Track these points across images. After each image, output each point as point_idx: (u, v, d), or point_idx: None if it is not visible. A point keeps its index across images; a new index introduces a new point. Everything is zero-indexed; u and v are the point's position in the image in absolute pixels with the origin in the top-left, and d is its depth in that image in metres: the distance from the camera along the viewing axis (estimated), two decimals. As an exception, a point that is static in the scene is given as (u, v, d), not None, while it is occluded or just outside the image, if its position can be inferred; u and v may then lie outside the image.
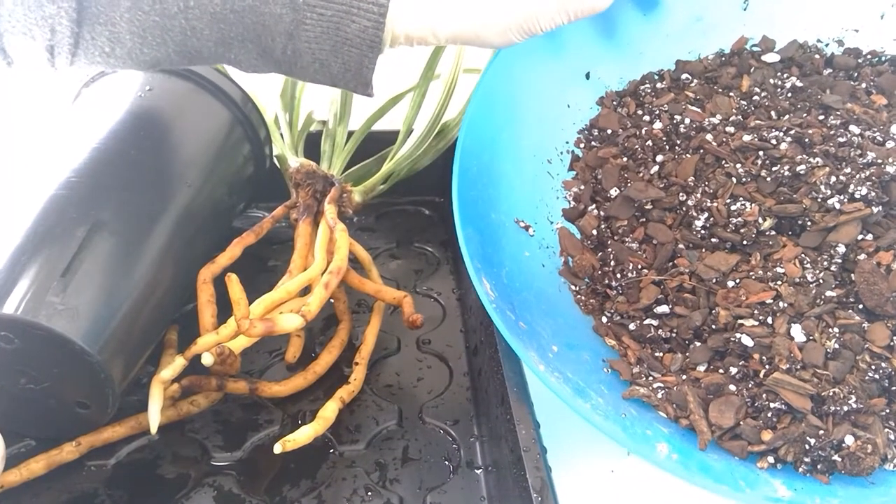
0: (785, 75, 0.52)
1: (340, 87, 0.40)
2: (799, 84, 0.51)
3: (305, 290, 0.51)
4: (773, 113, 0.49)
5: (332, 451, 0.47)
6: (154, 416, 0.43)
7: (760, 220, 0.44)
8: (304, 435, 0.43)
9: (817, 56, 0.52)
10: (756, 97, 0.51)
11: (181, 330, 0.53)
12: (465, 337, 0.56)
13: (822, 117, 0.48)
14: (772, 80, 0.51)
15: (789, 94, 0.51)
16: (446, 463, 0.47)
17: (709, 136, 0.48)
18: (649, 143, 0.50)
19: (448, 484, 0.45)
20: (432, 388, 0.52)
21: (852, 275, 0.42)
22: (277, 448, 0.42)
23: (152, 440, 0.48)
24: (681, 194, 0.47)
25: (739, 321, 0.42)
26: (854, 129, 0.46)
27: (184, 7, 0.35)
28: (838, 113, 0.47)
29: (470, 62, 0.61)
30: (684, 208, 0.47)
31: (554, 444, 0.40)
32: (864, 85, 0.50)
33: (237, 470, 0.46)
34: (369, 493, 0.44)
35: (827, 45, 0.53)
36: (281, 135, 0.63)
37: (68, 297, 0.41)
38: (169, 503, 0.44)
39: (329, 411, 0.46)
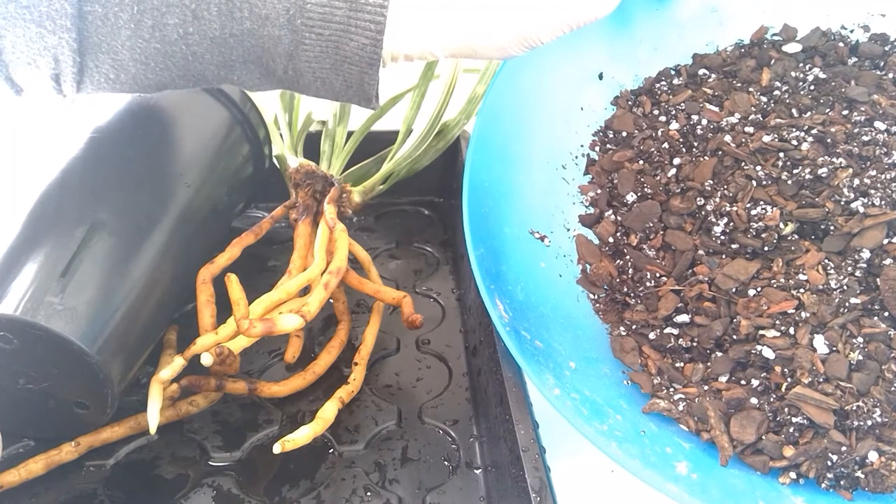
0: (807, 66, 0.49)
1: (344, 102, 0.41)
2: (822, 76, 0.49)
3: (305, 291, 0.51)
4: (794, 110, 0.47)
5: (331, 451, 0.47)
6: (153, 417, 0.43)
7: (782, 225, 0.43)
8: (303, 435, 0.43)
9: (841, 44, 0.50)
10: (777, 92, 0.49)
11: (180, 330, 0.53)
12: (465, 337, 0.56)
13: (845, 112, 0.46)
14: (793, 73, 0.49)
15: (811, 88, 0.49)
16: (445, 463, 0.46)
17: (727, 137, 0.47)
18: (665, 145, 0.49)
19: (447, 484, 0.45)
20: (431, 388, 0.52)
21: (878, 279, 0.40)
22: (276, 448, 0.42)
23: (151, 440, 0.48)
24: (699, 199, 0.46)
25: (761, 332, 0.41)
26: (879, 125, 0.45)
27: (183, 33, 0.36)
28: (863, 109, 0.46)
29: (470, 62, 0.61)
30: (703, 213, 0.46)
31: (553, 444, 0.40)
32: (891, 75, 0.48)
33: (236, 470, 0.46)
34: (368, 494, 0.44)
35: (852, 31, 0.51)
36: (280, 135, 0.63)
37: (67, 298, 0.41)
38: (168, 503, 0.44)
39: (328, 412, 0.46)
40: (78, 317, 0.41)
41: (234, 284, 0.48)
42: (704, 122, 0.49)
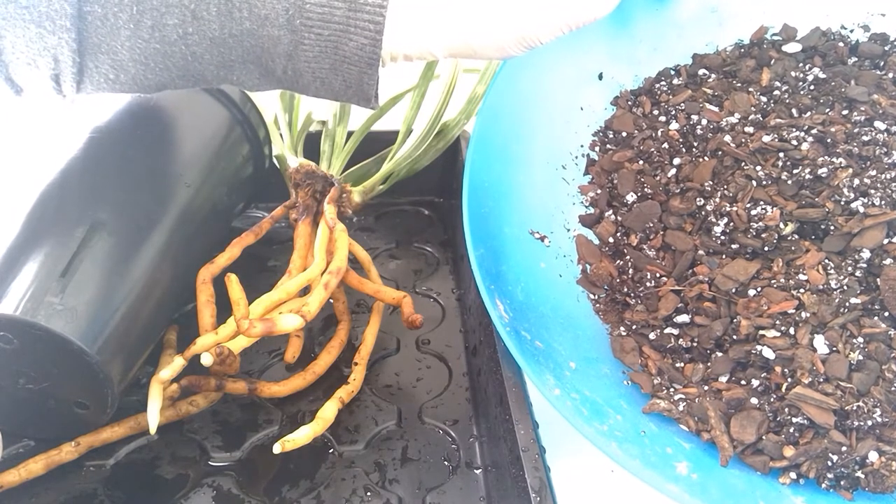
0: (807, 66, 0.49)
1: (343, 102, 0.41)
2: (822, 76, 0.48)
3: (305, 291, 0.51)
4: (794, 110, 0.47)
5: (331, 451, 0.47)
6: (153, 417, 0.43)
7: (782, 225, 0.43)
8: (303, 435, 0.43)
9: (841, 44, 0.50)
10: (777, 92, 0.49)
11: (180, 330, 0.53)
12: (465, 337, 0.56)
13: (845, 112, 0.46)
14: (793, 73, 0.49)
15: (811, 88, 0.48)
16: (445, 463, 0.47)
17: (727, 137, 0.47)
18: (665, 145, 0.49)
19: (447, 484, 0.45)
20: (431, 388, 0.52)
21: (878, 279, 0.40)
22: (276, 448, 0.42)
23: (151, 440, 0.48)
24: (699, 199, 0.46)
25: (761, 332, 0.41)
26: (879, 125, 0.45)
27: (183, 34, 0.36)
28: (863, 108, 0.46)
29: (470, 62, 0.61)
30: (703, 213, 0.46)
31: (553, 444, 0.40)
32: (891, 75, 0.48)
33: (236, 470, 0.46)
34: (368, 494, 0.44)
35: (852, 31, 0.51)
36: (280, 135, 0.63)
37: (67, 298, 0.41)
38: (168, 503, 0.44)
39: (328, 411, 0.46)
40: (78, 317, 0.41)
41: (234, 284, 0.48)
42: (704, 122, 0.49)
